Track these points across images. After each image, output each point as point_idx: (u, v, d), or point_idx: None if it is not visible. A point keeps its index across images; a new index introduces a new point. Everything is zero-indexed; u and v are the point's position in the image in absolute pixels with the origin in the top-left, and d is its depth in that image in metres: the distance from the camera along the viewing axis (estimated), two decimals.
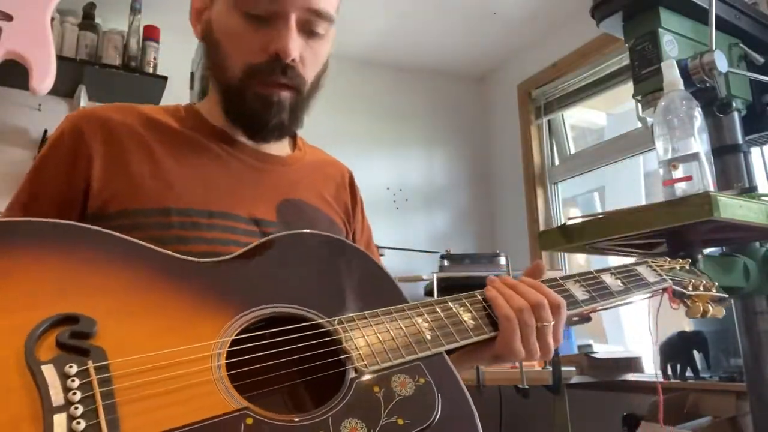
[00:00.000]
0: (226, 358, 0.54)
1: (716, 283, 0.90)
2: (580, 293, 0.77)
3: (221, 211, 0.72)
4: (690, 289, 0.88)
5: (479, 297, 0.70)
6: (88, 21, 2.34)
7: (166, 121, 0.78)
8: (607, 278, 0.81)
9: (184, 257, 0.60)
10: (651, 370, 2.26)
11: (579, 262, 2.87)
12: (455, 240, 3.03)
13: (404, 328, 0.63)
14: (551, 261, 2.81)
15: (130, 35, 2.34)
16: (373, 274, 0.70)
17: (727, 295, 0.91)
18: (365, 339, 0.60)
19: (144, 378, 0.49)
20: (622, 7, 1.20)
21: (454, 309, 0.67)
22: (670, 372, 1.98)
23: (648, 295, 0.85)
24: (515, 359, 0.68)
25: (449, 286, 2.28)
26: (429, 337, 0.63)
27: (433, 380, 0.60)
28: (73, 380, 0.46)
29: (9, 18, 1.45)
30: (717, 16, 1.14)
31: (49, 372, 0.46)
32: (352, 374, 0.57)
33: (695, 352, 1.94)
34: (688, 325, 2.02)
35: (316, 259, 0.67)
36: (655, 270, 0.88)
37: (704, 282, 0.90)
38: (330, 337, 0.59)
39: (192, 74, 2.25)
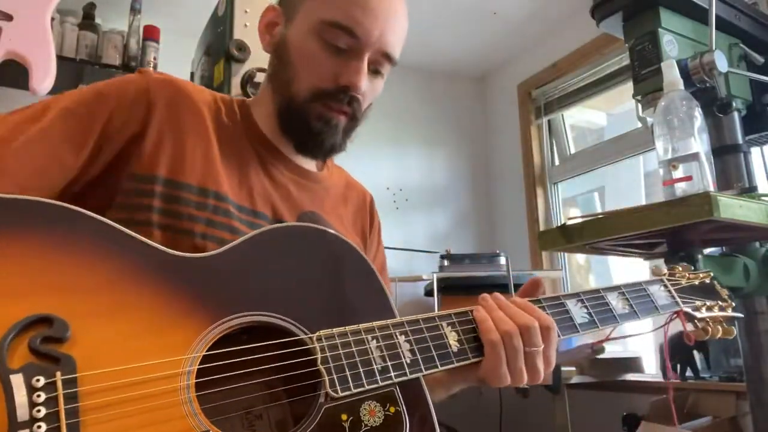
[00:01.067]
0: (201, 370, 0.53)
1: (733, 303, 0.87)
2: (579, 315, 0.73)
3: (250, 208, 0.75)
4: (703, 311, 0.84)
5: (470, 316, 0.68)
6: (88, 21, 2.33)
7: (222, 114, 0.80)
8: (613, 299, 0.77)
9: (173, 252, 0.59)
10: (652, 370, 2.26)
11: (579, 261, 2.87)
12: (455, 240, 3.03)
13: (384, 349, 0.61)
14: (551, 261, 2.81)
15: (130, 35, 2.33)
16: (366, 279, 0.68)
17: (741, 315, 0.86)
18: (342, 360, 0.59)
19: (111, 396, 0.49)
20: (622, 7, 1.20)
21: (441, 329, 0.66)
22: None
23: (657, 315, 0.81)
24: (501, 384, 0.65)
25: (449, 286, 2.28)
26: (408, 361, 0.62)
27: (404, 408, 0.60)
28: (39, 395, 0.46)
29: (9, 18, 1.45)
30: (717, 16, 1.14)
31: (17, 382, 0.46)
32: (321, 399, 0.57)
33: (695, 352, 1.94)
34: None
35: (309, 256, 0.65)
36: (668, 290, 0.84)
37: (719, 302, 0.86)
38: (308, 357, 0.58)
39: (192, 74, 2.25)
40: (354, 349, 0.60)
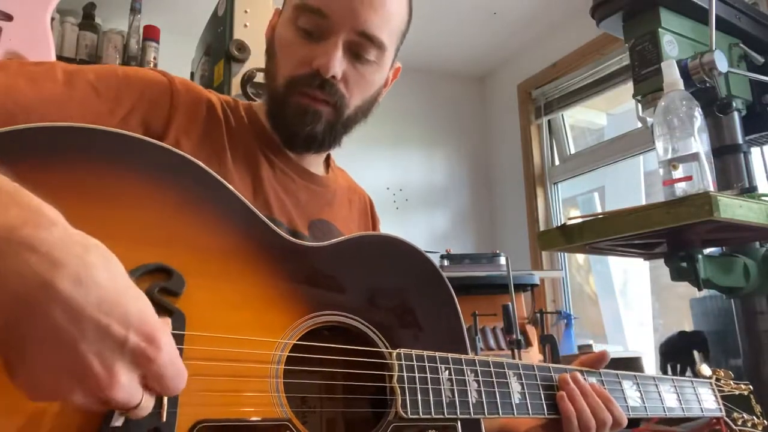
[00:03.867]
0: (289, 357, 0.55)
1: (765, 422, 0.91)
2: (632, 398, 0.77)
3: (267, 216, 0.74)
4: (739, 423, 0.88)
5: (536, 372, 0.71)
6: (88, 21, 2.33)
7: (232, 120, 0.79)
8: (664, 390, 0.82)
9: (285, 235, 0.61)
10: (652, 370, 2.26)
11: (579, 261, 2.87)
12: (455, 240, 3.02)
13: (455, 383, 0.63)
14: (551, 261, 2.81)
15: (130, 35, 2.33)
16: (449, 309, 0.70)
17: None
18: (416, 383, 0.61)
19: (210, 363, 0.50)
20: (622, 7, 1.20)
21: (507, 378, 0.68)
22: (670, 372, 1.98)
23: (699, 416, 0.85)
24: None
25: None
26: (474, 401, 0.64)
27: None
28: None
29: (9, 18, 1.45)
30: (717, 16, 1.14)
31: None
32: (390, 416, 0.59)
33: (695, 352, 1.94)
34: (688, 325, 2.02)
35: (403, 273, 0.68)
36: (714, 395, 0.88)
37: (754, 418, 0.90)
38: (384, 370, 0.61)
39: (192, 74, 2.25)
40: (428, 375, 0.62)
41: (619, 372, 0.78)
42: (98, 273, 0.38)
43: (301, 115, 0.74)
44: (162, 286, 0.49)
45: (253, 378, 0.52)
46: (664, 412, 0.79)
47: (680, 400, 0.82)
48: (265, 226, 0.59)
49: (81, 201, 0.48)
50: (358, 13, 0.72)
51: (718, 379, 0.93)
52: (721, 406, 0.87)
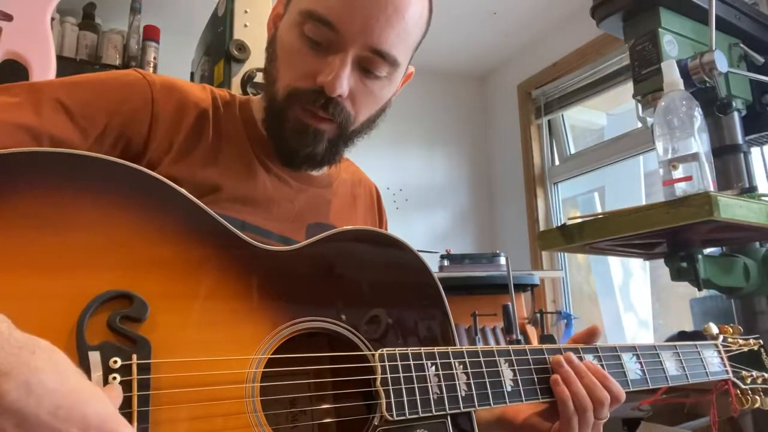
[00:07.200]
0: (266, 372, 0.53)
1: None
2: (632, 371, 0.74)
3: (255, 225, 0.71)
4: (748, 382, 0.85)
5: (528, 356, 0.68)
6: (88, 21, 2.33)
7: (224, 119, 0.74)
8: (667, 358, 0.78)
9: (256, 243, 0.58)
10: None
11: (579, 261, 2.87)
12: (455, 240, 3.03)
13: (442, 378, 0.61)
14: (551, 261, 2.81)
15: (130, 35, 2.33)
16: (435, 301, 0.68)
17: None
18: (401, 384, 0.59)
19: (181, 389, 0.48)
20: (622, 7, 1.20)
21: (498, 366, 0.65)
22: None
23: (705, 380, 0.82)
24: None
25: (449, 286, 2.27)
26: (463, 394, 0.62)
27: None
28: (114, 377, 0.46)
29: (9, 18, 1.45)
30: (717, 16, 1.14)
31: (95, 360, 0.45)
32: (376, 421, 0.57)
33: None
34: (688, 325, 2.02)
35: (383, 268, 0.65)
36: (721, 357, 0.84)
37: (764, 374, 0.86)
38: (368, 373, 0.59)
39: (192, 74, 2.25)
40: (414, 374, 0.60)
41: (618, 345, 0.75)
42: (48, 378, 0.37)
43: (301, 134, 0.69)
44: (123, 314, 0.47)
45: (228, 400, 0.50)
46: (667, 381, 0.76)
47: (684, 368, 0.79)
48: (235, 237, 0.56)
49: (32, 229, 0.46)
50: (371, 29, 0.65)
51: (725, 338, 0.88)
52: (728, 368, 0.84)
